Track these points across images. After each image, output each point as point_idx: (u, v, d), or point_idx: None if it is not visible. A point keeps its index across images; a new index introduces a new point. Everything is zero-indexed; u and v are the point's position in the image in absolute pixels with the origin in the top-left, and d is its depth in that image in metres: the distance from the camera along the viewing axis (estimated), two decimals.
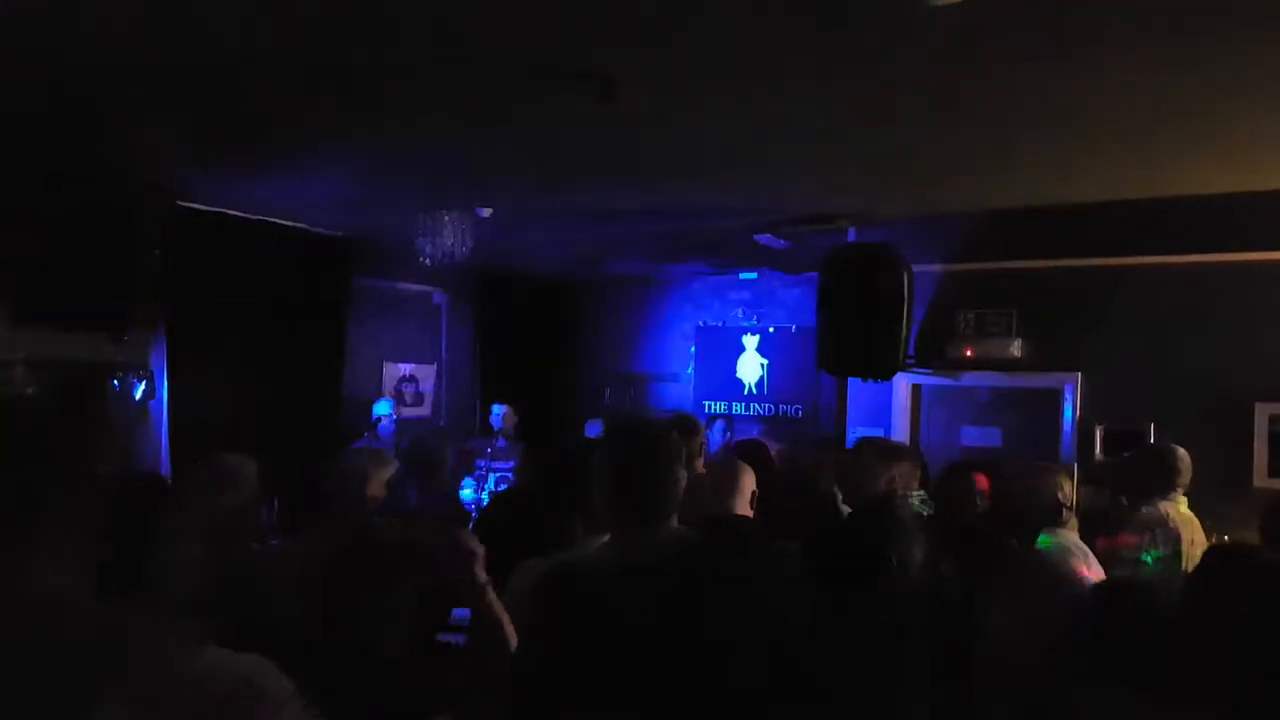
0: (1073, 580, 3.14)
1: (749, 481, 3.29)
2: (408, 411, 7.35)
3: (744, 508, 3.23)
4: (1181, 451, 4.10)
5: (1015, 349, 5.82)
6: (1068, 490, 3.54)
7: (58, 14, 2.93)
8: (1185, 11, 2.71)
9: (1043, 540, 3.38)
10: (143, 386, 5.50)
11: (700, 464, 4.27)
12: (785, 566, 3.04)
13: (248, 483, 3.23)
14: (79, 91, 3.83)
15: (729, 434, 7.05)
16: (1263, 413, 5.36)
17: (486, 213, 5.57)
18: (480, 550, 2.27)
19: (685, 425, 4.15)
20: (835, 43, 3.06)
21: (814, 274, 5.72)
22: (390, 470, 3.72)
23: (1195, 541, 3.90)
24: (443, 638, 2.64)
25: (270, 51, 3.29)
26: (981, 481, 3.74)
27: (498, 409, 6.66)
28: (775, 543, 2.97)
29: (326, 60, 3.37)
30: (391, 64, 3.35)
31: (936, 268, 6.11)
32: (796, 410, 8.17)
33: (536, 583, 2.11)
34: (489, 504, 4.52)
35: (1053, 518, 3.41)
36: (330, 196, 5.62)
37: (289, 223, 6.46)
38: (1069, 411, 5.81)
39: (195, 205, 5.82)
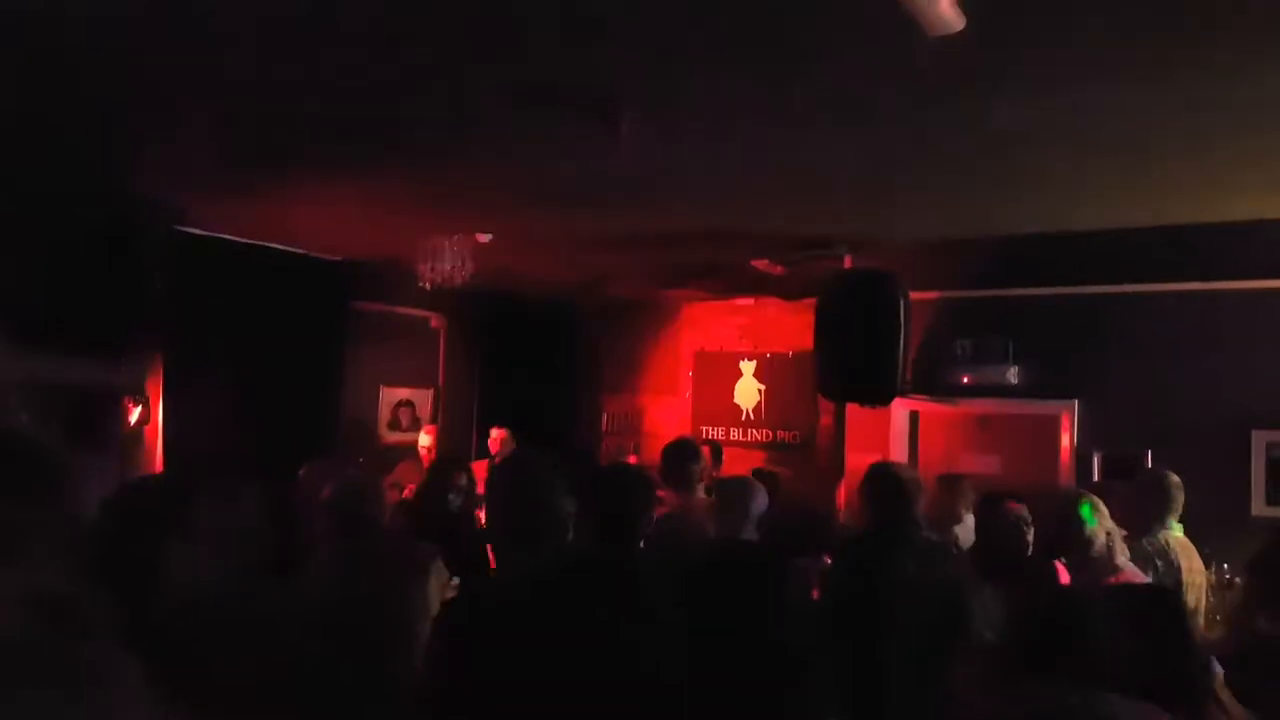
0: None
1: (759, 504, 3.31)
2: (405, 436, 7.33)
3: (749, 531, 3.25)
4: (1175, 477, 4.09)
5: (1012, 375, 5.83)
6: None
7: (63, 37, 2.95)
8: (1180, 41, 2.73)
9: None
10: (138, 411, 5.48)
11: (702, 488, 4.28)
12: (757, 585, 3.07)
13: (250, 506, 3.21)
14: (81, 116, 3.85)
15: (716, 464, 6.87)
16: (1260, 440, 5.35)
17: (486, 238, 5.59)
18: None
19: (687, 450, 4.20)
20: (833, 71, 3.08)
21: (811, 300, 5.73)
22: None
23: (1194, 569, 3.88)
24: None
25: (272, 78, 3.31)
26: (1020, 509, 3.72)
27: (494, 433, 6.64)
28: (789, 561, 3.02)
29: (328, 87, 3.39)
30: (392, 91, 3.37)
31: (933, 295, 6.13)
32: (794, 436, 8.16)
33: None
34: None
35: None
36: (330, 222, 5.63)
37: (288, 248, 6.47)
38: (1067, 438, 5.81)
39: (195, 230, 5.83)
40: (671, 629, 2.30)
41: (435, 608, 2.56)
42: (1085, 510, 3.34)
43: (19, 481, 1.38)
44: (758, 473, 4.64)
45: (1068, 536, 3.34)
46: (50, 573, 1.34)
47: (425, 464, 6.36)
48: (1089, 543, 3.27)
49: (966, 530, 4.43)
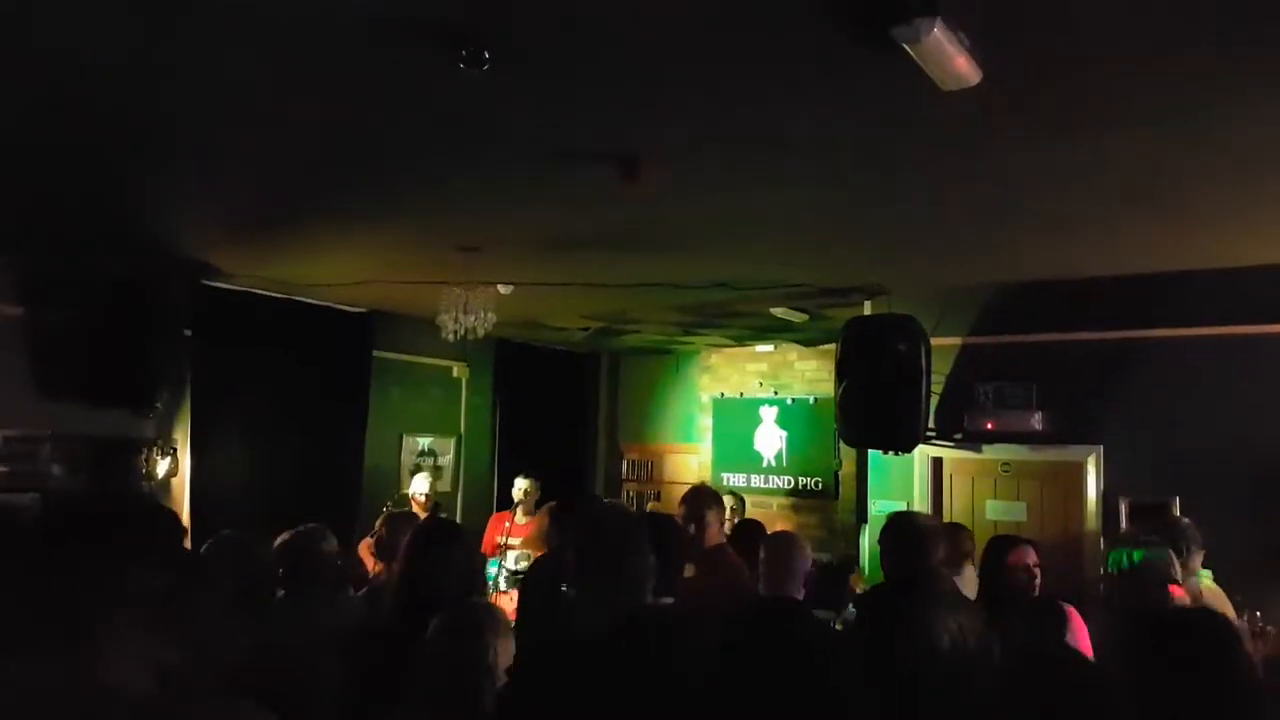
0: None
1: (803, 560, 3.34)
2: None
3: (795, 587, 3.26)
4: (1190, 523, 4.09)
5: (1036, 421, 5.78)
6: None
7: (90, 97, 3.04)
8: (1195, 87, 2.76)
9: None
10: (166, 462, 5.55)
11: (716, 530, 4.23)
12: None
13: (259, 558, 3.25)
14: (110, 174, 3.95)
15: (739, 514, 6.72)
16: None
17: (507, 289, 5.65)
18: None
19: (708, 496, 4.25)
20: (852, 124, 3.13)
21: (831, 345, 5.74)
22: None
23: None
24: None
25: (297, 136, 3.39)
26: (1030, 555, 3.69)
27: (519, 483, 6.57)
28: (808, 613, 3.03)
29: (351, 143, 3.47)
30: (413, 147, 3.44)
31: (955, 340, 6.13)
32: (817, 483, 8.13)
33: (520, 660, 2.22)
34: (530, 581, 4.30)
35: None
36: (354, 274, 5.72)
37: (312, 300, 6.57)
38: (1093, 485, 5.75)
39: (222, 284, 5.94)
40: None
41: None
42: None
43: (165, 552, 1.42)
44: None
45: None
46: (189, 633, 1.38)
47: (422, 512, 6.04)
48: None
49: (965, 581, 4.33)
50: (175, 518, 1.51)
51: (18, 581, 1.33)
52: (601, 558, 2.32)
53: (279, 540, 3.43)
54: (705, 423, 8.86)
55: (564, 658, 2.13)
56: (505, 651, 2.30)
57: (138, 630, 1.31)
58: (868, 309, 5.97)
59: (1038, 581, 3.64)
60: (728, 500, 6.59)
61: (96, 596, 1.30)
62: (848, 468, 7.83)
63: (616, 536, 2.35)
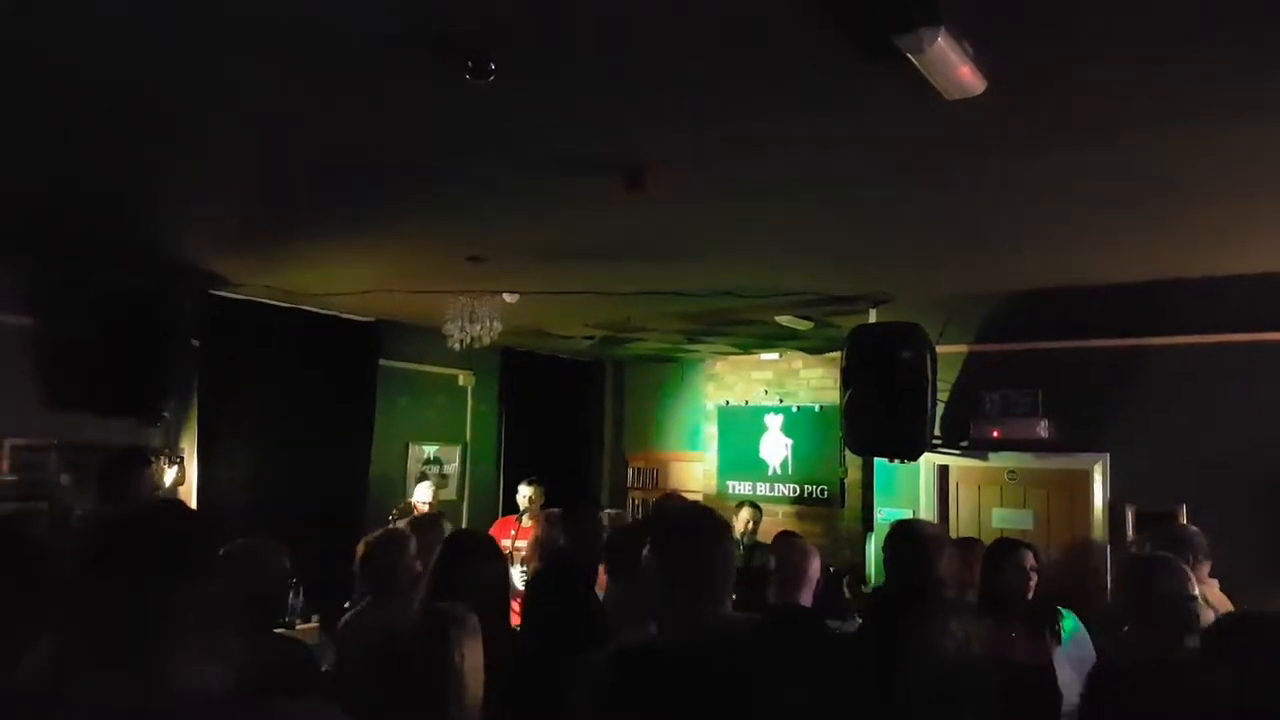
0: None
1: (814, 569, 3.34)
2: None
3: (807, 596, 3.26)
4: (1197, 530, 4.07)
5: (1042, 429, 5.78)
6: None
7: (96, 107, 3.06)
8: (1197, 90, 2.75)
9: None
10: (174, 471, 5.56)
11: None
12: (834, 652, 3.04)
13: (275, 566, 3.25)
14: (116, 185, 3.97)
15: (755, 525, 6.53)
16: None
17: (513, 298, 5.67)
18: None
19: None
20: (854, 132, 3.14)
21: (837, 353, 5.74)
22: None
23: None
24: None
25: (301, 144, 3.40)
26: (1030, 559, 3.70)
27: (523, 489, 6.59)
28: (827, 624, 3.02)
29: (355, 151, 3.48)
30: (418, 155, 3.45)
31: (960, 348, 6.13)
32: (822, 491, 8.11)
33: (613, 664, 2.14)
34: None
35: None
36: (360, 283, 5.73)
37: (319, 309, 6.59)
38: (1099, 493, 5.74)
39: (229, 294, 5.97)
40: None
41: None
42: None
43: (207, 559, 1.44)
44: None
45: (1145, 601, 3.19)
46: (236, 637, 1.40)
47: None
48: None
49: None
50: (207, 522, 1.53)
51: (80, 593, 1.35)
52: (689, 561, 2.22)
53: (365, 545, 3.48)
54: (710, 431, 8.85)
55: (657, 663, 2.06)
56: (472, 654, 2.27)
57: (208, 632, 1.33)
58: (873, 317, 5.98)
59: (1033, 584, 3.64)
60: (748, 512, 6.57)
61: (163, 599, 1.31)
62: (853, 476, 7.81)
63: (704, 539, 2.27)
